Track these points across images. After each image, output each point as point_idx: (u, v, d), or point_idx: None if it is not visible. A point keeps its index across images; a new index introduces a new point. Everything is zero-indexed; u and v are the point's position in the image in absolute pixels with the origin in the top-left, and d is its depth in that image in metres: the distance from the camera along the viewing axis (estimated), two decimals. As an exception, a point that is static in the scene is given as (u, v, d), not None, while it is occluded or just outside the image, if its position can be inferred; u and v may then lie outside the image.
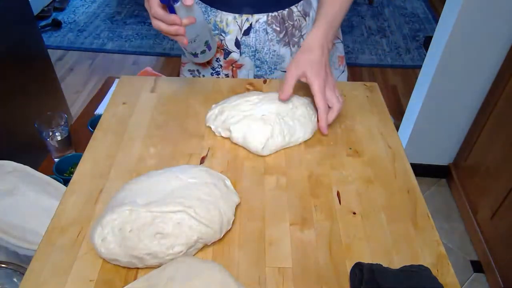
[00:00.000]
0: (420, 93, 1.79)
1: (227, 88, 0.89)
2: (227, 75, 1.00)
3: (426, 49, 2.08)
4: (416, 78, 1.86)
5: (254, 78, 0.98)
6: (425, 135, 1.89)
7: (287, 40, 0.94)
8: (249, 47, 0.94)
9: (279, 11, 0.90)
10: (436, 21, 3.07)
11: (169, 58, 2.99)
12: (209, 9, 0.92)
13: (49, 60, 1.82)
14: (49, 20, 3.26)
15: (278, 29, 0.91)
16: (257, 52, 0.95)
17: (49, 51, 1.85)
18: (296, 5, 0.91)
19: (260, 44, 0.93)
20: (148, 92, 0.88)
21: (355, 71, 2.83)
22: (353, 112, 0.84)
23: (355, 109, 0.85)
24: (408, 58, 2.96)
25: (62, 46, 3.05)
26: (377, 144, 0.77)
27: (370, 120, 0.82)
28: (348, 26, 3.31)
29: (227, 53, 0.96)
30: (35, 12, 3.20)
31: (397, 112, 2.38)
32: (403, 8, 3.57)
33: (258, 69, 0.98)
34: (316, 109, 0.77)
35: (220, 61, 0.98)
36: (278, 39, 0.93)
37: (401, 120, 2.01)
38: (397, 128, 2.02)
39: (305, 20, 0.93)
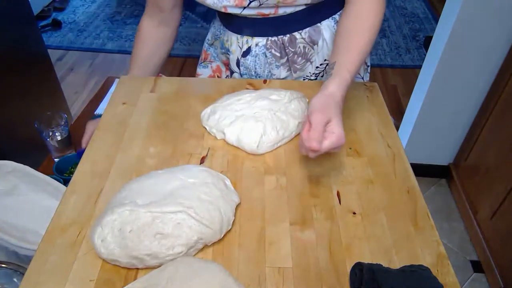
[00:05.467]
0: (420, 93, 1.79)
1: (227, 88, 0.89)
2: None
3: (426, 49, 2.08)
4: (416, 78, 1.86)
5: None
6: (425, 135, 1.89)
7: (288, 66, 0.92)
8: (248, 69, 0.94)
9: (279, 36, 0.89)
10: (436, 21, 3.07)
11: (169, 58, 2.96)
12: (222, 28, 0.95)
13: (49, 60, 1.82)
14: (49, 20, 3.25)
15: (278, 54, 0.90)
16: (258, 76, 0.95)
17: (49, 51, 1.85)
18: (300, 31, 0.88)
19: (260, 67, 0.93)
20: (148, 92, 0.88)
21: (355, 71, 2.82)
22: (353, 112, 0.84)
23: (355, 109, 0.85)
24: (408, 58, 2.95)
25: (62, 46, 3.05)
26: (377, 144, 0.77)
27: (370, 120, 0.82)
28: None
29: (231, 72, 0.98)
30: (35, 12, 3.20)
31: (397, 112, 2.38)
32: (403, 8, 3.56)
33: None
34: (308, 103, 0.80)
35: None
36: (277, 64, 0.92)
37: (401, 120, 2.01)
38: (397, 128, 2.02)
39: (313, 49, 0.91)
